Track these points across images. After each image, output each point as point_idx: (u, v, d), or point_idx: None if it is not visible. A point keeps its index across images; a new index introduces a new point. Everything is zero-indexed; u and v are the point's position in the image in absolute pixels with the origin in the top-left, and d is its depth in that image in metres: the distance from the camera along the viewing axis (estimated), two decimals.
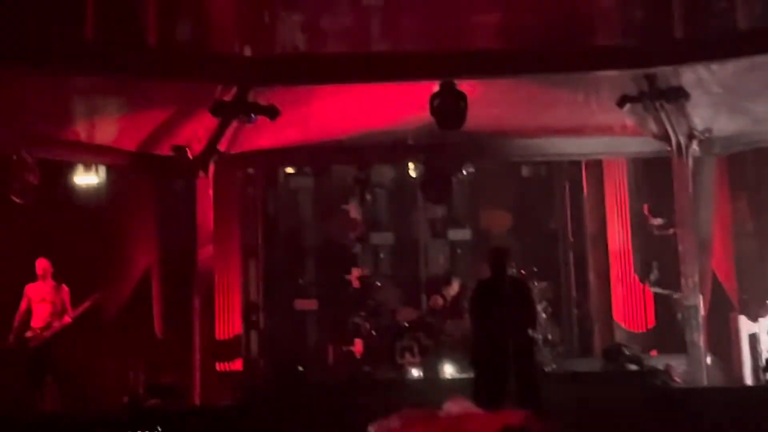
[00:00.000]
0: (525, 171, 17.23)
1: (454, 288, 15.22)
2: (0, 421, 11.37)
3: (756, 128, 14.56)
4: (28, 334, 13.12)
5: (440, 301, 15.20)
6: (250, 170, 16.56)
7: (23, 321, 13.15)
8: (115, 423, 10.69)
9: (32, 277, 13.26)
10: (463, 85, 12.62)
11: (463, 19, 14.95)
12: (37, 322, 13.15)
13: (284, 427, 11.00)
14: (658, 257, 15.08)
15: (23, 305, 13.18)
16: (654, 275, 14.97)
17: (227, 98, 13.02)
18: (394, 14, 15.30)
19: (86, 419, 11.00)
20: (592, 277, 16.70)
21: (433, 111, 12.66)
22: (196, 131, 13.90)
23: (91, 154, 14.82)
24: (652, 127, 13.94)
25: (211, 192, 14.20)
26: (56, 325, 13.16)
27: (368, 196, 17.24)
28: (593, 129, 14.86)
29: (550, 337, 14.89)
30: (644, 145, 14.75)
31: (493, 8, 14.78)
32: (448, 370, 13.79)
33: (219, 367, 14.56)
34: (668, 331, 15.15)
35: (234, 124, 13.46)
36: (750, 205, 16.13)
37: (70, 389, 13.14)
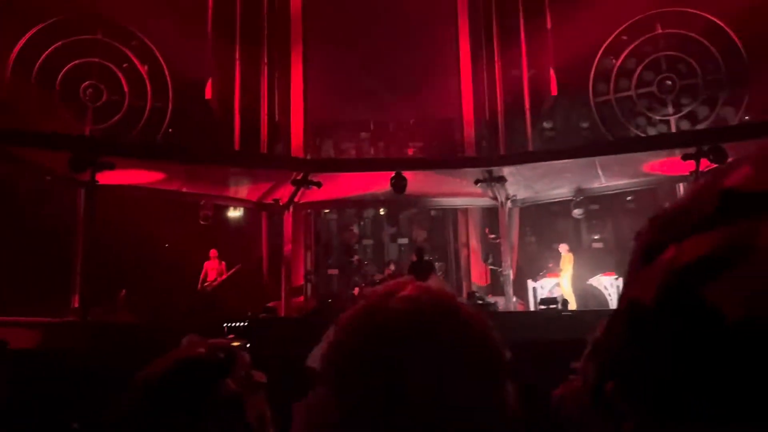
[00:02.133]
0: (433, 213, 16.27)
1: (391, 267, 14.05)
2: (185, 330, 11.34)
3: (536, 195, 14.18)
4: (205, 285, 13.03)
5: (387, 272, 14.30)
6: (309, 211, 15.49)
7: (203, 279, 13.04)
8: (243, 328, 10.01)
9: (207, 258, 13.10)
10: (405, 173, 12.18)
11: (406, 144, 15.65)
12: (209, 279, 13.05)
13: (324, 329, 10.83)
14: (492, 252, 14.17)
15: (203, 272, 13.08)
16: (490, 260, 14.24)
17: (298, 177, 12.62)
18: (374, 141, 15.86)
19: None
20: (462, 261, 15.56)
21: (391, 184, 12.16)
22: (284, 192, 13.41)
23: (236, 201, 14.68)
24: (490, 193, 13.50)
25: (290, 221, 13.72)
26: (219, 281, 12.99)
27: (361, 223, 16.41)
28: (463, 194, 14.14)
29: None
30: (486, 202, 14.05)
31: (420, 140, 15.47)
32: None
33: (293, 300, 13.87)
34: (496, 286, 14.28)
35: (301, 189, 12.90)
36: (532, 230, 15.54)
37: (225, 310, 12.38)
